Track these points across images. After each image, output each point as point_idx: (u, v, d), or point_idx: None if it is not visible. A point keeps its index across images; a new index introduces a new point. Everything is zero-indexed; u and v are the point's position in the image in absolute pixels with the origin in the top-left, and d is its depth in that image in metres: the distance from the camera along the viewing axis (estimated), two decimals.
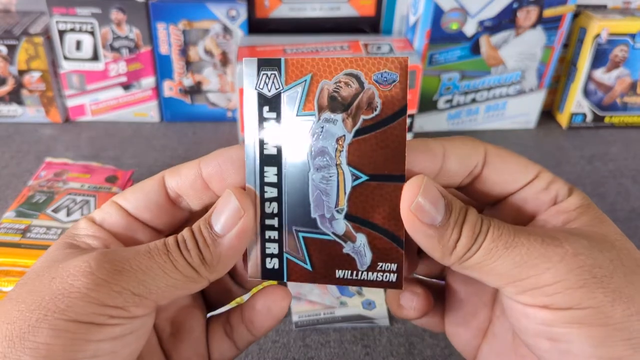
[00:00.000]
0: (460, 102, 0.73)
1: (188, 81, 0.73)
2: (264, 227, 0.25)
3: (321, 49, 0.66)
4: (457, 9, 0.66)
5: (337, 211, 0.25)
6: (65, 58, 0.70)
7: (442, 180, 0.25)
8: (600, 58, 0.72)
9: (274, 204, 0.25)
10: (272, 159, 0.25)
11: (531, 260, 0.22)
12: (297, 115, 0.24)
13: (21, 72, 0.69)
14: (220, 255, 0.24)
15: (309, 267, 0.25)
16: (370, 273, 0.25)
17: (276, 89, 0.24)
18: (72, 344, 0.21)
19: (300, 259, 0.25)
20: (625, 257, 0.23)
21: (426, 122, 0.74)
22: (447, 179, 0.25)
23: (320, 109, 0.24)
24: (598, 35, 0.70)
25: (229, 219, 0.24)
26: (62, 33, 0.68)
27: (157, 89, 0.73)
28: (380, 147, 0.24)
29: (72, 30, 0.68)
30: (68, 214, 0.49)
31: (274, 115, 0.24)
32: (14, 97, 0.71)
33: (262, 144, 0.24)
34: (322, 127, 0.24)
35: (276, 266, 0.26)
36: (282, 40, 0.68)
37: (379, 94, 0.23)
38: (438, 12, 0.66)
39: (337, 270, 0.25)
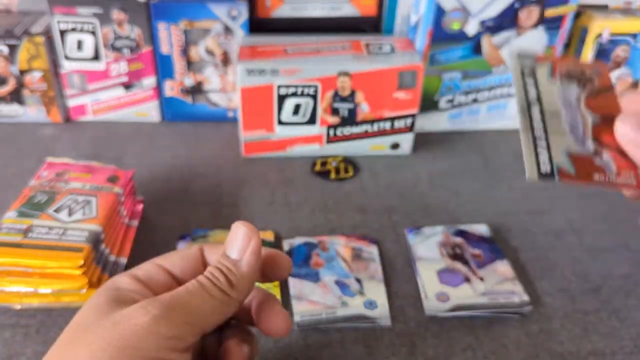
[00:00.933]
0: (462, 102, 0.73)
1: (189, 81, 0.73)
2: (535, 145, 0.36)
3: (322, 49, 0.66)
4: (458, 9, 0.66)
5: (585, 138, 0.37)
6: (67, 58, 0.70)
7: None
8: (601, 58, 0.71)
9: (540, 127, 0.37)
10: (534, 102, 0.39)
11: None
12: (547, 79, 0.40)
13: (22, 72, 0.69)
14: (242, 275, 0.30)
15: (573, 171, 0.36)
16: (617, 178, 0.37)
17: (531, 66, 0.41)
18: None
19: (565, 166, 0.36)
20: None
21: (427, 122, 0.74)
22: None
23: (561, 78, 0.40)
24: (599, 35, 0.70)
25: (241, 244, 0.31)
26: (63, 33, 0.68)
27: (158, 89, 0.73)
28: (603, 101, 0.39)
29: (74, 30, 0.68)
30: (70, 214, 0.49)
31: (532, 81, 0.40)
32: (15, 96, 0.71)
33: (526, 93, 0.39)
34: (564, 89, 0.40)
35: (548, 170, 0.35)
36: (283, 40, 0.68)
37: (597, 75, 0.41)
38: (439, 12, 0.66)
39: (594, 174, 0.36)
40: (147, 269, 0.31)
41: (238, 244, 0.31)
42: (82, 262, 0.45)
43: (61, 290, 0.45)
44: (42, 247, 0.46)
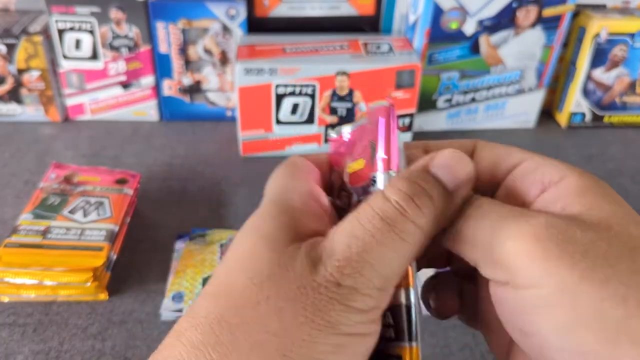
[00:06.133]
0: (460, 102, 0.73)
1: (187, 80, 0.72)
2: None
3: (320, 48, 0.66)
4: (456, 8, 0.66)
5: None
6: (65, 57, 0.70)
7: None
8: (599, 57, 0.72)
9: None
10: None
11: (502, 229, 0.20)
12: None
13: (20, 71, 0.69)
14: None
15: None
16: None
17: None
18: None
19: None
20: (617, 240, 0.19)
21: (425, 122, 0.74)
22: None
23: None
24: (597, 35, 0.70)
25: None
26: (61, 32, 0.68)
27: (157, 88, 0.73)
28: None
29: (72, 29, 0.68)
30: (85, 215, 0.51)
31: None
32: (13, 96, 0.71)
33: None
34: None
35: None
36: (281, 40, 0.68)
37: None
38: (438, 11, 0.66)
39: None
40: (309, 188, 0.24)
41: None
42: (104, 260, 0.46)
43: (67, 283, 0.46)
44: (63, 247, 0.47)
